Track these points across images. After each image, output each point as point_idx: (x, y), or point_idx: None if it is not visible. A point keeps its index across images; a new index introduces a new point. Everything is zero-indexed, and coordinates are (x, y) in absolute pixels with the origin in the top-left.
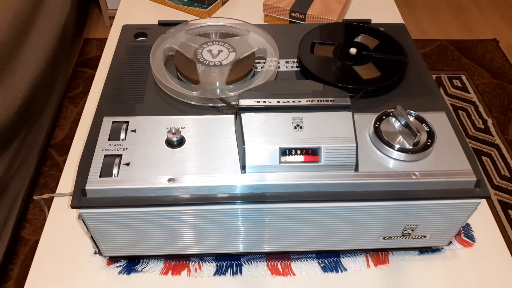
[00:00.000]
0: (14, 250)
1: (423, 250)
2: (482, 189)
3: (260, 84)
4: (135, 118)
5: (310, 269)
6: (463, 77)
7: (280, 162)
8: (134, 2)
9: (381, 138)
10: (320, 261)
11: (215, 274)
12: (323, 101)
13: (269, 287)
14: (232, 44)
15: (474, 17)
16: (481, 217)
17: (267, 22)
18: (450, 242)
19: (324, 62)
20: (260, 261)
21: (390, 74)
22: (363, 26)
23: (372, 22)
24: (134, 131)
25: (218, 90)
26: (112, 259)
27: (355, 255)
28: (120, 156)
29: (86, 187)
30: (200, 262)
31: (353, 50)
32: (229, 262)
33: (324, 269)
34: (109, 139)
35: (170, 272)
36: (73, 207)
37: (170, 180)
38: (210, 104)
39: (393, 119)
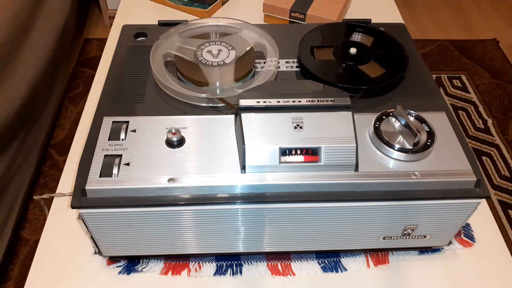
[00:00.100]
0: (14, 250)
1: (423, 250)
2: (482, 189)
3: (260, 84)
4: (135, 118)
5: (310, 269)
6: (463, 77)
7: (280, 162)
8: (134, 2)
9: (381, 138)
10: (320, 261)
11: (215, 274)
12: (323, 101)
13: (269, 287)
14: (229, 42)
15: (474, 17)
16: (481, 217)
17: (267, 22)
18: (450, 242)
19: (327, 65)
20: (260, 261)
21: (395, 68)
22: (356, 25)
23: (372, 22)
24: (134, 131)
25: (228, 89)
26: (112, 259)
27: (355, 255)
28: (120, 156)
29: (86, 187)
30: (200, 262)
31: (353, 50)
32: (229, 262)
33: (324, 269)
34: (109, 139)
35: (170, 272)
36: (73, 207)
37: (170, 180)
38: (210, 104)
39: (393, 119)
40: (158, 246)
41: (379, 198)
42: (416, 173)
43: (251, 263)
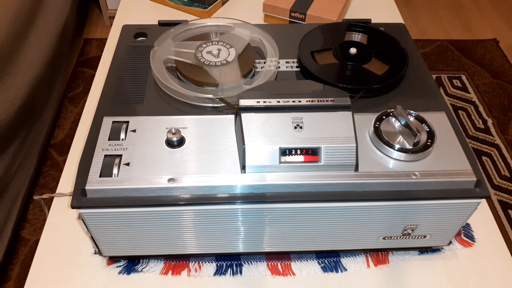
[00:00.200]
0: (14, 250)
1: (423, 250)
2: (482, 189)
3: (260, 84)
4: (135, 118)
5: (310, 269)
6: (463, 77)
7: (280, 162)
8: (134, 2)
9: (381, 138)
10: (320, 261)
11: (215, 274)
12: (323, 101)
13: (269, 287)
14: (225, 41)
15: (474, 17)
16: (481, 217)
17: (267, 22)
18: (450, 242)
19: (331, 68)
20: (260, 261)
21: (398, 62)
22: (356, 24)
23: (372, 22)
24: (134, 131)
25: (236, 87)
26: (112, 259)
27: (355, 255)
28: (120, 156)
29: (86, 187)
30: (200, 262)
31: (353, 50)
32: (229, 262)
33: (324, 269)
34: (109, 139)
35: (170, 272)
36: (73, 207)
37: (170, 180)
38: (210, 104)
39: (393, 119)
40: (158, 246)
41: (379, 198)
42: (416, 173)
43: (251, 263)
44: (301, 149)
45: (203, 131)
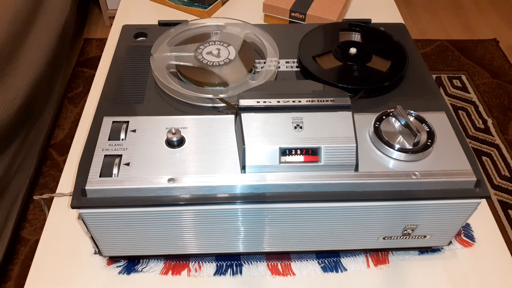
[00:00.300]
0: (14, 250)
1: (423, 250)
2: (482, 189)
3: (260, 84)
4: (135, 118)
5: (310, 269)
6: (463, 77)
7: (280, 162)
8: (134, 2)
9: (381, 138)
10: (320, 261)
11: (215, 274)
12: (323, 101)
13: (269, 287)
14: (221, 40)
15: (474, 17)
16: (481, 217)
17: (267, 22)
18: (450, 242)
19: (337, 70)
20: (260, 261)
21: (398, 57)
22: (356, 24)
23: (372, 22)
24: (134, 131)
25: (243, 83)
26: (112, 259)
27: (355, 255)
28: (120, 156)
29: (86, 187)
30: (200, 262)
31: (353, 50)
32: (229, 262)
33: (324, 269)
34: (109, 139)
35: (170, 272)
36: (73, 207)
37: (170, 180)
38: (210, 104)
39: (393, 119)
40: (158, 246)
41: (379, 198)
42: (416, 173)
43: (251, 263)
44: (301, 149)
45: (203, 131)
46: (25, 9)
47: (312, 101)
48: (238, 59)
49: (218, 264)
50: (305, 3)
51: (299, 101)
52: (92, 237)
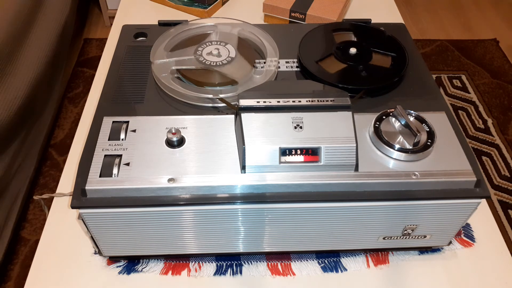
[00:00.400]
0: (14, 250)
1: (423, 250)
2: (482, 189)
3: (260, 84)
4: (135, 118)
5: (310, 269)
6: (463, 77)
7: (280, 162)
8: (134, 2)
9: (381, 138)
10: (320, 261)
11: (215, 274)
12: (323, 101)
13: (269, 287)
14: (217, 39)
15: (474, 17)
16: (481, 217)
17: (267, 22)
18: (450, 242)
19: (345, 72)
20: (260, 261)
21: (398, 52)
22: (356, 24)
23: (372, 22)
24: (134, 131)
25: (251, 78)
26: (112, 259)
27: (355, 255)
28: (120, 156)
29: (86, 187)
30: (200, 262)
31: (353, 50)
32: (229, 262)
33: (324, 269)
34: (109, 139)
35: (170, 272)
36: (73, 207)
37: (170, 180)
38: (210, 104)
39: (393, 119)
40: (158, 246)
41: (379, 198)
42: (416, 173)
43: (251, 263)
44: (301, 149)
45: (203, 131)
46: (25, 9)
47: (312, 101)
48: (239, 56)
49: (218, 264)
50: (305, 3)
51: (299, 101)
52: (92, 237)
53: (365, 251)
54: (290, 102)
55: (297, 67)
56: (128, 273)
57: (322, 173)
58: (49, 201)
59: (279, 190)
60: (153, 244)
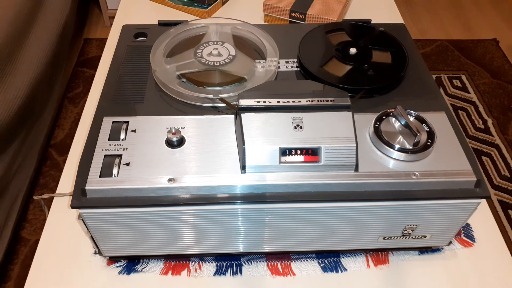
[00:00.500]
0: (14, 250)
1: (423, 250)
2: (482, 189)
3: (260, 84)
4: (135, 118)
5: (310, 269)
6: (463, 77)
7: (280, 162)
8: (134, 2)
9: (381, 138)
10: (320, 261)
11: (215, 274)
12: (323, 101)
13: (269, 287)
14: (213, 39)
15: (474, 17)
16: (481, 217)
17: (267, 22)
18: (450, 242)
19: (350, 73)
20: (260, 261)
21: (397, 48)
22: (356, 24)
23: (372, 22)
24: (134, 131)
25: (252, 76)
26: (112, 259)
27: (355, 255)
28: (120, 156)
29: (86, 187)
30: (200, 262)
31: (353, 50)
32: (229, 262)
33: (324, 269)
34: (109, 139)
35: (170, 272)
36: (73, 207)
37: (170, 180)
38: (210, 104)
39: (393, 119)
40: (158, 246)
41: (379, 198)
42: (416, 173)
43: (251, 263)
44: (301, 149)
45: (203, 131)
46: (25, 9)
47: (312, 101)
48: (240, 53)
49: (218, 264)
50: (305, 3)
51: (299, 101)
52: (92, 237)
53: (365, 251)
54: (290, 102)
55: (297, 67)
56: (128, 273)
57: (322, 173)
58: (49, 201)
59: (279, 190)
60: (153, 244)
